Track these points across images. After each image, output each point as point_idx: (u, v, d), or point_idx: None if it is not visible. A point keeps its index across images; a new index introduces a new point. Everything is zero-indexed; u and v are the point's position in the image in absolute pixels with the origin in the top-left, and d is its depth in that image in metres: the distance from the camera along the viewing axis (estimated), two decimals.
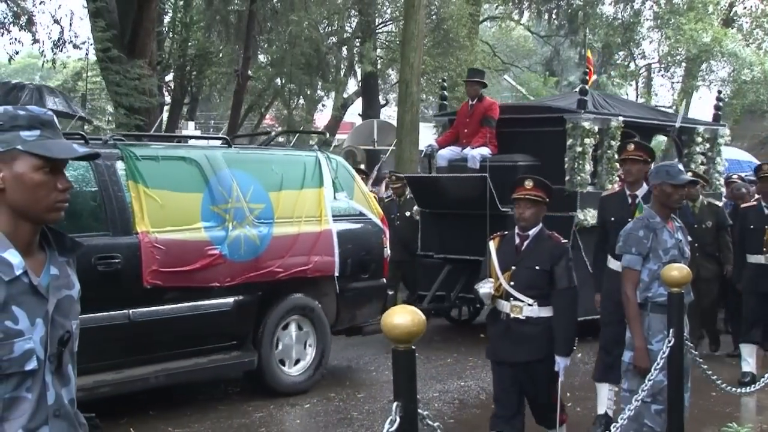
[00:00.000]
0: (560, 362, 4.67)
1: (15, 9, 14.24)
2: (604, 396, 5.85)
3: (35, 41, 14.51)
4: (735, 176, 10.15)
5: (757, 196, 7.78)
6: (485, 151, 8.91)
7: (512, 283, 4.70)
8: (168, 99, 22.16)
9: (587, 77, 9.74)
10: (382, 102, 26.75)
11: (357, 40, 23.81)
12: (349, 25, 24.62)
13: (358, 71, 24.79)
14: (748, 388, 5.85)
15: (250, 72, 19.75)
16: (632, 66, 27.96)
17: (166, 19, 21.26)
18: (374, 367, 7.85)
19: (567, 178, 8.67)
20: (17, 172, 1.87)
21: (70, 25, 14.98)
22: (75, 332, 2.00)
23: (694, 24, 24.09)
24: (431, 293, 9.03)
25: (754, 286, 7.28)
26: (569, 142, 8.70)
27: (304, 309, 6.96)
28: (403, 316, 2.75)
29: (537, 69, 31.45)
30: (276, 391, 6.73)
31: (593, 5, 24.67)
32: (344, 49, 24.42)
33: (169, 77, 22.12)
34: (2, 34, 14.69)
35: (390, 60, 24.04)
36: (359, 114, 25.52)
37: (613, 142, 8.87)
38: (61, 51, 15.08)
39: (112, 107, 14.76)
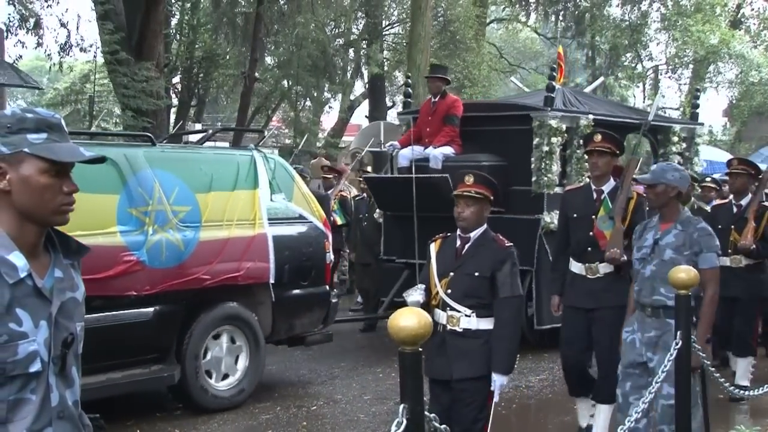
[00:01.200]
0: (497, 381, 4.16)
1: (22, 12, 14.29)
2: (585, 410, 5.65)
3: (39, 44, 14.58)
4: (709, 179, 9.65)
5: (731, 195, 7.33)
6: (448, 150, 8.53)
7: (449, 290, 4.23)
8: (175, 101, 22.22)
9: (557, 74, 9.37)
10: (389, 104, 26.76)
11: (364, 42, 23.83)
12: (356, 27, 24.65)
13: (365, 73, 24.81)
14: (757, 390, 5.81)
15: (257, 74, 19.77)
16: (639, 68, 27.91)
17: (174, 21, 21.33)
18: (381, 368, 7.84)
19: (534, 178, 8.25)
20: (24, 175, 1.88)
21: (77, 28, 15.08)
22: (79, 334, 2.01)
23: (702, 26, 24.03)
24: (389, 299, 8.71)
25: (725, 291, 6.95)
26: (536, 141, 8.27)
27: (235, 319, 6.49)
28: (410, 318, 2.74)
29: (544, 71, 31.35)
30: (202, 407, 6.29)
31: (600, 7, 24.65)
32: (351, 51, 24.46)
33: (176, 79, 22.20)
34: (8, 37, 14.77)
35: (397, 62, 24.06)
36: (366, 116, 25.52)
37: (582, 141, 8.60)
38: (68, 54, 15.15)
39: (120, 109, 14.81)
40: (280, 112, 28.58)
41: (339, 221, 10.62)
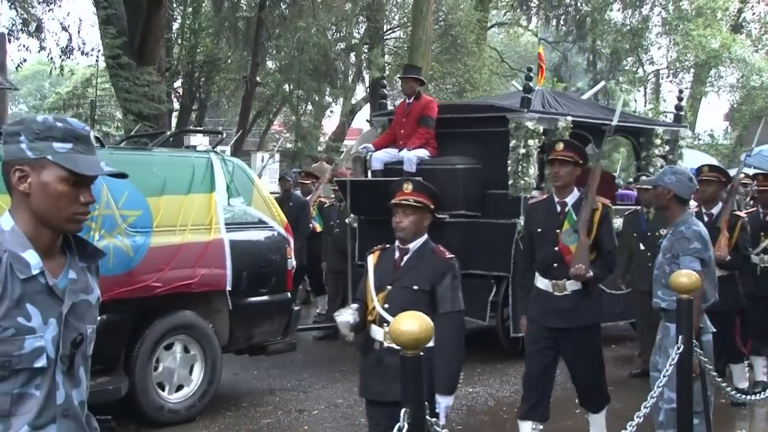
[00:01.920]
0: (441, 402, 3.85)
1: (24, 16, 14.33)
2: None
3: (42, 48, 14.61)
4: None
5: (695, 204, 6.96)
6: (423, 153, 8.29)
7: (386, 305, 3.94)
8: (177, 105, 22.25)
9: (538, 75, 9.15)
10: (390, 108, 26.77)
11: (365, 46, 23.87)
12: (357, 31, 24.69)
13: (366, 77, 24.84)
14: (758, 395, 5.80)
15: (258, 78, 19.82)
16: (640, 72, 27.93)
17: (175, 25, 21.37)
18: None
19: (510, 182, 8.01)
20: (43, 181, 1.95)
21: (79, 32, 15.10)
22: (90, 336, 2.06)
23: (703, 30, 24.06)
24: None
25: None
26: (512, 143, 8.03)
27: (189, 328, 6.21)
28: (411, 323, 2.75)
29: (545, 75, 31.41)
30: (153, 420, 6.05)
31: (601, 11, 24.70)
32: (352, 55, 24.49)
33: (177, 83, 22.23)
34: (11, 41, 14.80)
35: (398, 66, 24.04)
36: (367, 120, 25.55)
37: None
38: (69, 58, 15.18)
39: (121, 114, 14.83)
40: (281, 116, 28.61)
41: (318, 228, 10.37)
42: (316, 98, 23.14)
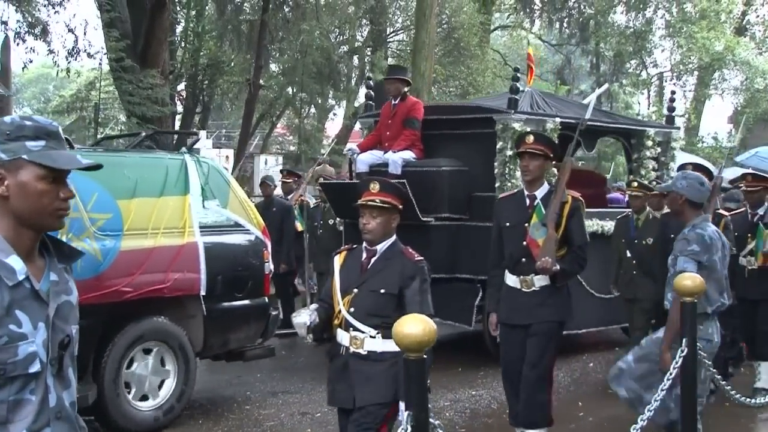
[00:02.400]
0: (406, 411, 3.63)
1: (30, 19, 14.36)
2: None
3: (50, 51, 14.64)
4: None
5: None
6: (408, 155, 8.15)
7: (352, 309, 3.87)
8: (180, 108, 22.28)
9: (527, 76, 9.00)
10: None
11: (368, 49, 23.89)
12: (360, 34, 24.71)
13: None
14: (763, 398, 5.79)
15: (261, 81, 19.84)
16: (644, 74, 27.92)
17: (179, 28, 21.41)
18: None
19: (497, 184, 7.82)
20: (22, 181, 1.93)
21: (84, 34, 15.14)
22: (75, 336, 2.06)
23: (707, 32, 24.06)
24: None
25: None
26: (499, 144, 7.88)
27: (162, 334, 6.02)
28: (414, 325, 2.75)
29: (548, 78, 31.43)
30: (123, 428, 5.84)
31: (605, 14, 24.70)
32: (355, 58, 24.51)
33: (181, 86, 22.27)
34: (17, 44, 14.85)
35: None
36: None
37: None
38: (75, 60, 15.22)
39: (125, 116, 14.85)
40: (284, 119, 28.66)
41: (300, 227, 10.15)
42: (319, 101, 23.17)
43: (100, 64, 14.80)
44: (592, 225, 8.27)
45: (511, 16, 27.51)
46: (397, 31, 25.09)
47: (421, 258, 3.95)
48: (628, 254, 7.52)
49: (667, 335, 4.69)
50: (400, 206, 3.96)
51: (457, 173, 8.03)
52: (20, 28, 14.33)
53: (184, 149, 6.63)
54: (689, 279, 4.44)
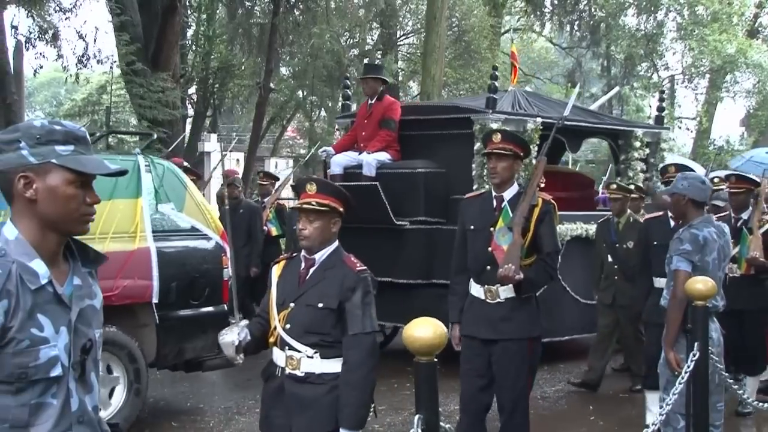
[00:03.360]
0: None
1: (41, 24, 14.44)
2: None
3: (59, 56, 14.72)
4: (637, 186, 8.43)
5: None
6: (384, 156, 7.90)
7: (288, 325, 3.48)
8: (191, 111, 22.36)
9: (512, 75, 8.77)
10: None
11: (378, 52, 23.90)
12: (370, 37, 24.74)
13: None
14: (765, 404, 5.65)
15: (272, 84, 19.87)
16: (655, 77, 27.82)
17: (190, 32, 21.49)
18: (396, 379, 7.82)
19: (475, 186, 7.41)
20: (50, 185, 1.94)
21: (95, 40, 15.19)
22: (98, 341, 2.07)
23: (719, 35, 23.94)
24: None
25: (657, 317, 5.37)
26: (477, 145, 7.52)
27: (110, 344, 5.66)
28: (425, 329, 2.74)
29: (559, 81, 31.39)
30: None
31: (615, 16, 24.62)
32: (366, 61, 24.50)
33: (192, 90, 22.34)
34: (28, 49, 14.93)
35: (411, 72, 24.10)
36: None
37: (531, 147, 6.99)
38: (85, 66, 15.29)
39: (136, 120, 14.91)
40: (295, 122, 28.71)
41: (274, 232, 9.89)
42: (330, 104, 23.14)
43: (111, 68, 14.87)
44: (576, 229, 8.11)
45: (521, 19, 27.46)
46: (408, 35, 25.10)
47: (364, 267, 3.54)
48: (610, 259, 7.34)
49: (667, 337, 4.66)
50: (342, 208, 3.56)
51: (433, 175, 7.79)
52: (31, 33, 14.43)
53: (137, 149, 6.41)
54: (701, 282, 4.41)
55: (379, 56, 23.77)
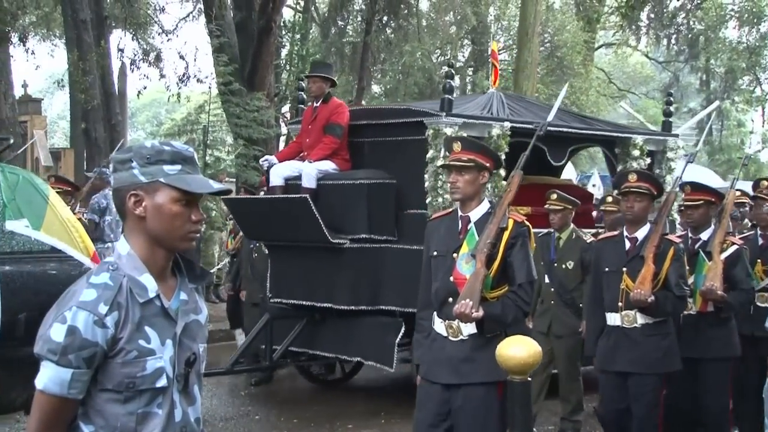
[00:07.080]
0: None
1: (144, 47, 15.08)
2: None
3: (162, 76, 15.32)
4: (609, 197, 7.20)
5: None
6: (328, 165, 6.97)
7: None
8: (284, 130, 22.80)
9: (492, 76, 7.93)
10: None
11: (470, 68, 23.90)
12: (462, 54, 24.76)
13: None
14: None
15: (364, 102, 20.12)
16: (758, 91, 26.85)
17: (284, 52, 21.99)
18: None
19: (428, 200, 6.52)
20: (158, 203, 2.03)
21: (195, 60, 15.78)
22: (202, 354, 2.15)
23: None
24: (282, 347, 7.15)
25: (603, 360, 4.72)
26: (429, 153, 6.54)
27: None
28: (519, 348, 2.72)
29: (655, 96, 30.65)
30: None
31: (715, 29, 23.92)
32: (457, 78, 24.55)
33: (285, 108, 22.82)
34: (132, 71, 15.62)
35: (503, 88, 23.95)
36: None
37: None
38: (186, 85, 15.86)
39: (232, 138, 15.34)
40: None
41: (230, 244, 9.21)
42: None
43: (209, 87, 15.37)
44: None
45: (616, 34, 26.99)
46: (500, 51, 25.01)
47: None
48: (546, 279, 6.19)
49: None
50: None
51: (380, 187, 6.76)
52: (135, 55, 15.08)
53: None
54: None
55: (470, 73, 23.76)
